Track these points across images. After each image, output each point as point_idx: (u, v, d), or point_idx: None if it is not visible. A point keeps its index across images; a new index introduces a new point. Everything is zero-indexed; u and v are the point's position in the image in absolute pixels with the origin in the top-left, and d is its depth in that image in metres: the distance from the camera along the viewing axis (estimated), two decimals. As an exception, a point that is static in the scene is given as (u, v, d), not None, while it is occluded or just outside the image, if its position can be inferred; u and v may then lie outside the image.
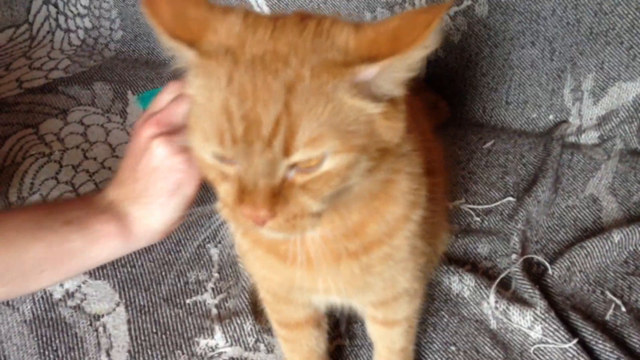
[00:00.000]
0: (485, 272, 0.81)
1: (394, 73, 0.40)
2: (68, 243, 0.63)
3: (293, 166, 0.40)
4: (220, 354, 0.75)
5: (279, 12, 0.40)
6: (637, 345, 0.71)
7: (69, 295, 0.82)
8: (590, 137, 1.01)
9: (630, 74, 0.94)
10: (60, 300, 0.82)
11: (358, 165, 0.41)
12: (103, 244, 0.64)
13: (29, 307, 0.81)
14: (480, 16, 0.99)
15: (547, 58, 0.99)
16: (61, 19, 1.36)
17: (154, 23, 0.44)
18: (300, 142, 0.39)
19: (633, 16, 0.90)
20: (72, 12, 1.35)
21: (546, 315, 0.73)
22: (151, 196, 0.62)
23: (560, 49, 0.97)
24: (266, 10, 1.11)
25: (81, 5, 1.34)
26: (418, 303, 0.64)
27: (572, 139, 1.01)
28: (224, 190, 0.43)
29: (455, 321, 0.77)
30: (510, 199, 0.91)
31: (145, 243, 0.66)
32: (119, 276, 0.85)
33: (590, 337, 0.71)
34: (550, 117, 1.03)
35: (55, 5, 1.35)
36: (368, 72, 0.39)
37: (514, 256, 0.82)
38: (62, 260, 0.64)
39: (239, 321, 0.78)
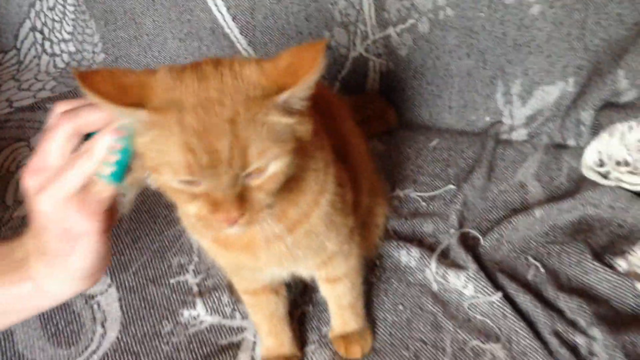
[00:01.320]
0: (429, 246, 0.94)
1: (299, 94, 0.52)
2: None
3: (248, 175, 0.53)
4: (201, 322, 0.87)
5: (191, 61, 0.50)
6: (551, 297, 0.85)
7: (66, 279, 0.93)
8: (520, 134, 1.16)
9: (551, 78, 1.10)
10: (58, 283, 0.93)
11: (292, 163, 0.54)
12: (21, 300, 0.61)
13: (30, 290, 0.92)
14: (422, 32, 1.14)
15: (481, 67, 1.14)
16: (47, 44, 1.48)
17: (97, 97, 0.48)
18: (252, 157, 0.51)
19: (550, 29, 1.05)
20: (57, 37, 1.47)
21: (477, 275, 0.87)
22: (50, 255, 0.57)
23: (491, 59, 1.12)
24: (237, 31, 1.25)
25: (65, 31, 1.46)
26: (354, 262, 0.76)
27: (505, 136, 1.16)
28: (196, 207, 0.53)
29: (403, 286, 0.90)
30: (451, 186, 1.05)
31: (68, 293, 0.61)
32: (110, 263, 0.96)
33: (514, 292, 0.85)
34: (487, 118, 1.18)
35: (41, 32, 1.47)
36: (281, 98, 0.51)
37: (452, 231, 0.95)
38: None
39: (217, 295, 0.90)
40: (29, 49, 1.49)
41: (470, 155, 1.12)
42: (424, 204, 1.04)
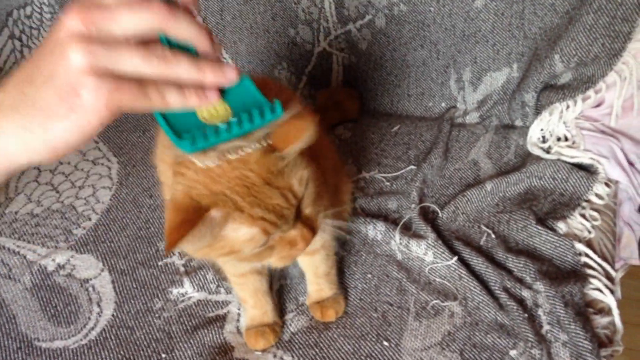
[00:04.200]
0: (393, 221, 1.04)
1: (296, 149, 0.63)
2: None
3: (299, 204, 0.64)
4: (189, 298, 0.96)
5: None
6: (501, 259, 0.95)
7: (60, 267, 1.01)
8: (472, 118, 1.26)
9: (497, 65, 1.21)
10: (53, 271, 1.01)
11: (314, 174, 0.66)
12: None
13: (28, 278, 0.99)
14: (380, 27, 1.24)
15: (434, 57, 1.24)
16: (25, 50, 1.54)
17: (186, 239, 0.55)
18: (296, 187, 0.62)
19: (493, 20, 1.16)
20: (35, 44, 1.54)
21: (435, 243, 0.97)
22: (35, 109, 0.50)
23: (443, 50, 1.23)
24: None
25: (43, 37, 1.53)
26: (327, 236, 0.86)
27: (459, 120, 1.27)
28: (278, 253, 0.65)
29: (371, 257, 0.99)
30: (412, 167, 1.15)
31: (27, 159, 0.52)
32: (100, 250, 1.04)
33: (468, 256, 0.95)
34: (443, 104, 1.29)
35: (20, 39, 1.53)
36: (289, 152, 0.62)
37: (413, 206, 1.06)
38: None
39: (202, 273, 0.98)
40: (8, 56, 1.55)
41: (429, 139, 1.22)
42: (387, 183, 1.14)
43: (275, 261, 0.67)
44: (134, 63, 0.49)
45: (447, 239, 0.99)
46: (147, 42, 0.50)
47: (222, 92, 0.54)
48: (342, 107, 1.29)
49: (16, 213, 1.12)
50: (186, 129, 0.53)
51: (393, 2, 1.20)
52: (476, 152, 1.18)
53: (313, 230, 0.65)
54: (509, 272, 0.93)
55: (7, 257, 1.04)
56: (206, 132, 0.54)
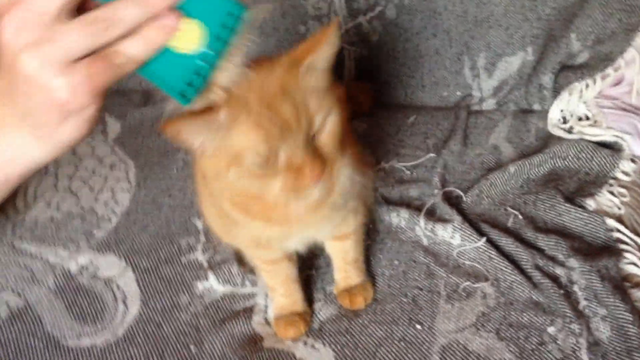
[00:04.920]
0: (416, 208, 1.03)
1: (318, 62, 0.62)
2: None
3: (314, 136, 0.62)
4: (215, 292, 0.94)
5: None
6: (531, 238, 0.93)
7: (83, 268, 1.00)
8: (489, 104, 1.25)
9: (512, 49, 1.20)
10: (77, 272, 0.99)
11: (340, 119, 0.63)
12: (11, 152, 0.52)
13: (51, 280, 0.98)
14: (390, 18, 1.24)
15: (447, 45, 1.24)
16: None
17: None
18: (313, 111, 0.60)
19: (505, 3, 1.16)
20: None
21: (462, 225, 0.95)
22: (34, 122, 0.49)
23: (456, 37, 1.22)
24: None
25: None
26: (360, 219, 0.85)
27: (475, 107, 1.26)
28: (282, 180, 0.61)
29: (397, 244, 0.98)
30: (432, 155, 1.14)
31: (37, 160, 0.53)
32: (122, 249, 1.03)
33: (496, 237, 0.94)
34: (458, 93, 1.28)
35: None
36: (306, 63, 0.60)
37: (435, 191, 1.04)
38: None
39: (226, 267, 0.97)
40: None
41: (446, 127, 1.21)
42: (408, 172, 1.12)
43: (279, 193, 0.63)
44: (80, 43, 0.46)
45: (473, 222, 0.98)
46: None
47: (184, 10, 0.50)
48: (355, 101, 1.28)
49: (36, 219, 1.11)
50: (178, 76, 0.52)
51: (403, -8, 1.20)
52: (496, 137, 1.17)
53: (323, 165, 0.61)
54: (540, 250, 0.92)
55: (30, 261, 1.02)
56: (196, 67, 0.52)
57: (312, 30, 1.29)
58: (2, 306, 0.94)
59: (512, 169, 1.05)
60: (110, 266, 1.00)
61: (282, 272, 0.86)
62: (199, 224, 1.06)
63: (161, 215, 1.09)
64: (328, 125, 0.62)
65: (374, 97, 1.29)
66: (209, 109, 0.57)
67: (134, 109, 1.38)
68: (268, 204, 0.68)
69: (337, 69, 1.33)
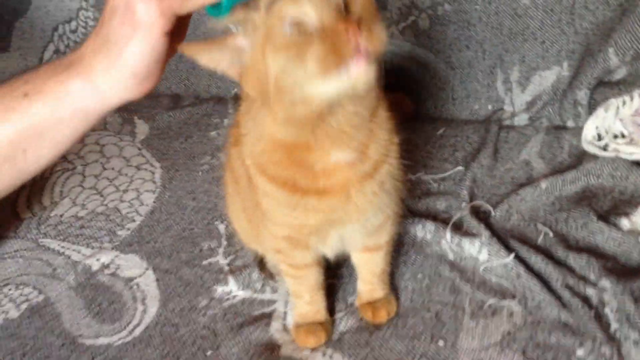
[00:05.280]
0: (443, 221, 1.00)
1: None
2: (33, 115, 0.62)
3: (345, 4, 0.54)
4: (234, 296, 0.93)
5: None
6: (561, 257, 0.90)
7: (105, 266, 1.00)
8: (521, 119, 1.23)
9: (546, 64, 1.17)
10: (98, 270, 0.99)
11: None
12: (70, 105, 0.62)
13: (72, 277, 0.98)
14: (423, 28, 1.22)
15: (480, 58, 1.22)
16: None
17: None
18: None
19: (541, 16, 1.13)
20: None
21: (490, 241, 0.92)
22: (109, 43, 0.60)
23: (490, 49, 1.20)
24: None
25: (87, 51, 1.56)
26: (394, 230, 0.83)
27: (507, 122, 1.23)
28: (316, 51, 0.53)
29: (421, 258, 0.95)
30: (460, 168, 1.12)
31: (117, 99, 0.64)
32: (144, 250, 1.03)
33: (526, 254, 0.91)
34: (489, 106, 1.25)
35: (65, 54, 1.57)
36: None
37: (463, 204, 1.02)
38: (37, 134, 0.64)
39: (247, 272, 0.95)
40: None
41: (476, 140, 1.19)
42: (435, 184, 1.10)
43: (319, 70, 0.53)
44: None
45: (501, 237, 0.95)
46: None
47: None
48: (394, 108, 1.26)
49: (61, 216, 1.12)
50: None
51: (437, 2, 1.18)
52: (527, 152, 1.14)
53: (361, 30, 0.52)
54: (571, 269, 0.88)
55: (52, 258, 1.03)
56: None
57: (344, 38, 1.28)
58: (23, 301, 0.94)
59: (543, 185, 1.03)
60: (132, 266, 1.00)
61: (312, 278, 0.83)
62: (222, 228, 1.05)
63: (184, 217, 1.09)
64: None
65: (412, 109, 1.27)
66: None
67: (163, 112, 1.39)
68: (309, 155, 0.64)
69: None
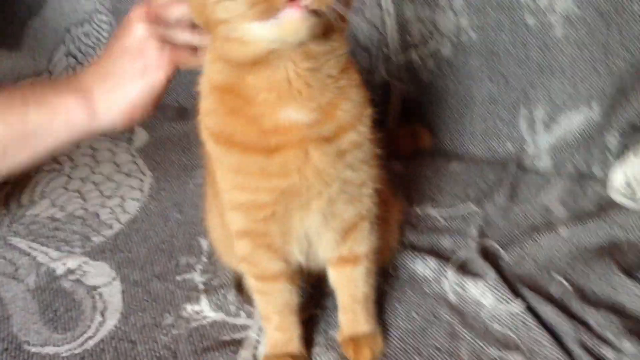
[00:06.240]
0: (447, 259, 0.90)
1: None
2: (27, 122, 0.66)
3: None
4: (204, 317, 0.83)
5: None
6: (577, 310, 0.79)
7: (70, 271, 0.91)
8: (543, 162, 1.12)
9: (574, 103, 1.08)
10: (62, 275, 0.91)
11: None
12: (63, 118, 0.66)
13: (32, 279, 0.90)
14: (445, 56, 1.15)
15: (503, 92, 1.13)
16: (78, 68, 1.52)
17: None
18: None
19: (573, 51, 1.05)
20: (89, 62, 1.52)
21: (497, 284, 0.82)
22: (116, 75, 0.66)
23: (514, 83, 1.12)
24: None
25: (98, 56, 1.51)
26: (374, 241, 0.73)
27: (527, 163, 1.13)
28: None
29: (418, 295, 0.85)
30: (471, 205, 1.02)
31: (107, 123, 0.68)
32: (116, 259, 0.94)
33: (536, 303, 0.80)
34: (509, 145, 1.16)
35: (75, 57, 1.52)
36: None
37: (471, 243, 0.91)
38: (23, 139, 0.67)
39: (222, 292, 0.86)
40: (61, 73, 1.54)
41: (492, 179, 1.09)
42: (442, 221, 1.00)
43: (245, 3, 0.50)
44: (185, 36, 0.69)
45: (510, 283, 0.84)
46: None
47: None
48: (410, 136, 1.18)
49: (36, 216, 1.04)
50: None
51: (461, 28, 1.11)
52: (547, 197, 1.04)
53: None
54: (587, 326, 0.77)
55: (16, 257, 0.94)
56: None
57: (360, 61, 1.21)
58: (-25, 299, 0.86)
59: (563, 232, 0.93)
60: (99, 274, 0.91)
61: (279, 297, 0.73)
62: (204, 244, 0.96)
63: (166, 229, 1.00)
64: None
65: (431, 143, 1.18)
66: None
67: (165, 122, 1.32)
68: (251, 108, 0.59)
69: (382, 105, 1.24)
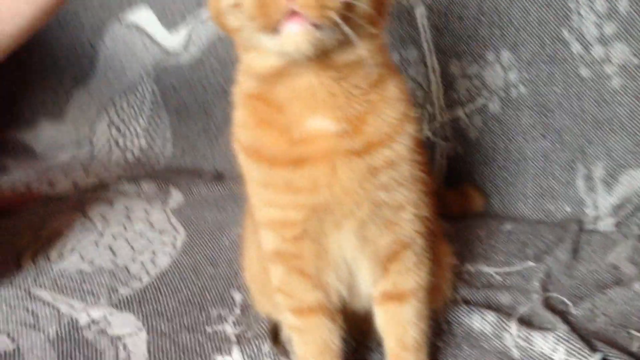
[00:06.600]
0: (507, 313, 0.80)
1: None
2: None
3: None
4: (235, 370, 0.74)
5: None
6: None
7: (94, 322, 0.84)
8: (606, 225, 1.03)
9: (636, 159, 1.01)
10: (84, 325, 0.84)
11: None
12: None
13: (54, 328, 0.83)
14: (494, 113, 1.10)
15: (558, 149, 1.07)
16: (120, 140, 1.52)
17: None
18: None
19: (632, 103, 0.99)
20: (130, 133, 1.52)
21: (569, 336, 0.72)
22: None
23: (570, 140, 1.06)
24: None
25: (140, 127, 1.51)
26: (424, 276, 0.65)
27: (589, 227, 1.04)
28: (248, 3, 0.50)
29: (477, 353, 0.75)
30: (531, 263, 0.93)
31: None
32: (143, 310, 0.87)
33: (615, 358, 0.69)
34: (567, 208, 1.08)
35: (118, 129, 1.53)
36: None
37: (535, 296, 0.82)
38: None
39: (257, 343, 0.78)
40: (103, 145, 1.54)
41: (550, 238, 1.00)
42: (498, 277, 0.91)
43: (249, 16, 0.50)
44: None
45: (583, 336, 0.74)
46: None
47: None
48: (462, 197, 1.12)
49: (64, 270, 0.99)
50: None
51: (511, 83, 1.08)
52: (615, 257, 0.94)
53: None
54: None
55: (39, 308, 0.88)
56: None
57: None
58: (-9, 348, 0.79)
59: (638, 287, 0.82)
60: (124, 325, 0.84)
61: (318, 335, 0.65)
62: (238, 297, 0.89)
63: (198, 282, 0.94)
64: None
65: (482, 205, 1.12)
66: None
67: (201, 184, 1.29)
68: (281, 116, 0.57)
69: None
